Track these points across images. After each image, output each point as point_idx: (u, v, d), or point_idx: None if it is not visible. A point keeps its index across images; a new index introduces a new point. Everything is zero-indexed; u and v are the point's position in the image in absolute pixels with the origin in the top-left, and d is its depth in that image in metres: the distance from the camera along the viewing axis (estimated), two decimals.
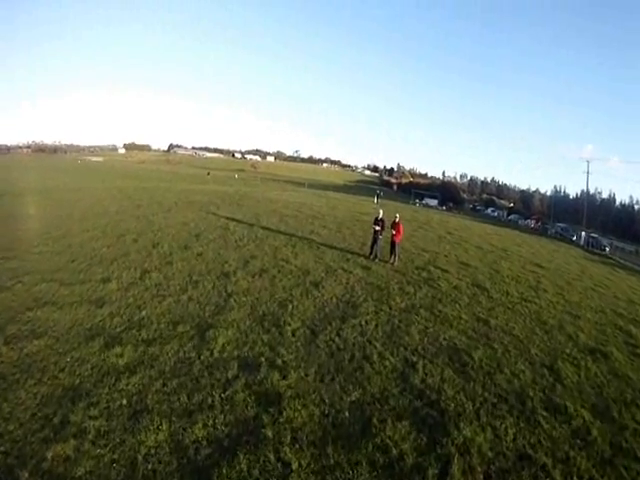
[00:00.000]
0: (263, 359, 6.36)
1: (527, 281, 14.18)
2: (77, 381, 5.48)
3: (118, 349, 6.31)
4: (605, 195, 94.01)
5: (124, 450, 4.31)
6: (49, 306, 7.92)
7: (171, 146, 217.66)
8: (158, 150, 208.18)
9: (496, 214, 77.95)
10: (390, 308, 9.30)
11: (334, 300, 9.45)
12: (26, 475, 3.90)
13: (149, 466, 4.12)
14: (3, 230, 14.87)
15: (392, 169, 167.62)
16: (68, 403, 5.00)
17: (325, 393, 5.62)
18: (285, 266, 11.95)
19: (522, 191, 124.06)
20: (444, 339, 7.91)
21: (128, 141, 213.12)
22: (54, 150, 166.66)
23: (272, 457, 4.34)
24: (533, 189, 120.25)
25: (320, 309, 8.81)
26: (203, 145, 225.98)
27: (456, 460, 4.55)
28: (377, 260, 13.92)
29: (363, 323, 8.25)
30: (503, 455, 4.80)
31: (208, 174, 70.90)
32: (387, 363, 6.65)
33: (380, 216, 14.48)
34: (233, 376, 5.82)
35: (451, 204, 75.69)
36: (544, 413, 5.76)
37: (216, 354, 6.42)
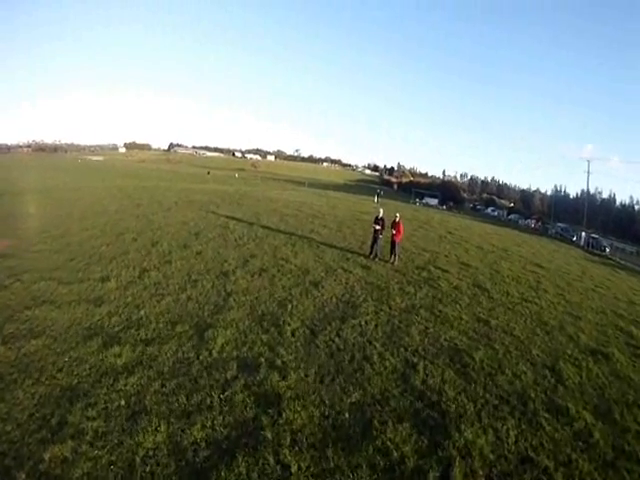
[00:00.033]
0: (262, 359, 6.31)
1: (528, 281, 14.12)
2: (75, 381, 5.44)
3: (116, 349, 6.28)
4: (605, 195, 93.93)
5: (122, 452, 4.26)
6: (47, 305, 7.90)
7: (171, 145, 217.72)
8: (158, 149, 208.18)
9: (496, 214, 77.91)
10: (390, 308, 9.24)
11: (334, 300, 9.40)
12: (23, 476, 3.86)
13: (147, 468, 4.07)
14: (3, 229, 14.88)
15: (392, 168, 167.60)
16: (66, 403, 4.96)
17: (325, 394, 5.57)
18: (285, 265, 11.90)
19: (522, 191, 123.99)
20: (445, 340, 7.85)
21: (129, 140, 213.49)
22: (54, 149, 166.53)
23: (271, 459, 4.29)
24: (533, 189, 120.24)
25: (320, 309, 8.76)
26: (203, 144, 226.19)
27: (457, 463, 4.50)
28: (377, 260, 13.87)
29: (363, 323, 8.19)
30: (505, 458, 4.75)
31: (208, 173, 70.96)
32: (387, 364, 6.59)
33: (380, 215, 14.43)
34: (232, 377, 5.77)
35: (451, 203, 75.67)
36: (546, 415, 5.71)
37: (215, 354, 6.37)
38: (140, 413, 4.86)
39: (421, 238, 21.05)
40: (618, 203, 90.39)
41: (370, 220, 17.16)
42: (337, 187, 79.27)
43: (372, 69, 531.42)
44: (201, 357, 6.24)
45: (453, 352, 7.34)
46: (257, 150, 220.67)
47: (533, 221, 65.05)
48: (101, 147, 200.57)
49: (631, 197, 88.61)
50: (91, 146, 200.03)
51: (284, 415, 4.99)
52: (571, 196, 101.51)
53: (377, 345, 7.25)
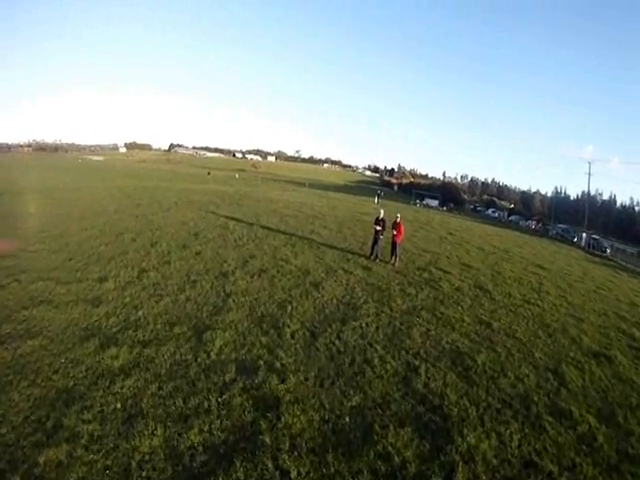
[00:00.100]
0: (261, 362, 6.22)
1: (529, 283, 14.07)
2: (71, 383, 5.36)
3: (113, 350, 6.19)
4: (606, 196, 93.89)
5: (118, 456, 4.18)
6: (45, 305, 7.82)
7: (172, 145, 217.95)
8: (159, 149, 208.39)
9: (497, 215, 77.79)
10: (391, 310, 9.16)
11: (334, 301, 9.32)
12: None
13: (143, 473, 3.99)
14: (2, 228, 14.82)
15: (393, 169, 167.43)
16: (61, 406, 4.88)
17: (325, 398, 5.47)
18: (285, 266, 11.82)
19: (523, 192, 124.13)
20: (446, 342, 7.77)
21: (129, 140, 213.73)
22: (55, 149, 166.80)
23: (270, 465, 4.20)
24: (534, 190, 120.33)
25: (320, 310, 8.67)
26: (204, 145, 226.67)
27: (460, 468, 4.42)
28: (378, 261, 13.80)
29: (364, 325, 8.11)
30: (508, 462, 4.67)
31: (208, 174, 70.87)
32: (388, 367, 6.51)
33: (381, 216, 14.36)
34: (230, 380, 5.67)
35: (452, 205, 75.56)
36: (549, 418, 5.64)
37: (213, 356, 6.27)
38: (136, 416, 4.77)
39: (422, 239, 20.99)
40: (619, 204, 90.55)
41: (370, 221, 17.12)
42: (337, 188, 79.28)
43: (372, 68, 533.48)
44: (199, 359, 6.15)
45: (455, 355, 7.26)
46: (257, 151, 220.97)
47: (534, 222, 64.96)
48: (101, 147, 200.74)
49: (631, 198, 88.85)
50: (91, 146, 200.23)
51: (283, 419, 4.89)
52: (571, 197, 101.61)
53: (378, 348, 7.16)
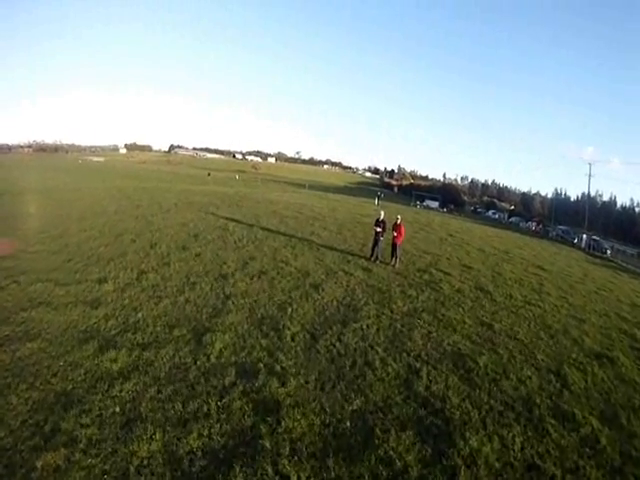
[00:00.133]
0: (261, 365, 6.17)
1: (530, 284, 14.02)
2: (70, 386, 5.31)
3: (112, 353, 6.14)
4: (606, 197, 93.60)
5: (116, 461, 4.13)
6: (43, 307, 7.79)
7: (172, 147, 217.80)
8: (159, 151, 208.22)
9: (497, 216, 77.83)
10: (392, 312, 9.11)
11: (334, 303, 9.27)
12: None
13: (142, 478, 3.94)
14: (3, 229, 14.84)
15: (393, 171, 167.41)
16: (60, 410, 4.83)
17: (326, 401, 5.42)
18: (285, 268, 11.77)
19: (523, 193, 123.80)
20: (448, 344, 7.72)
21: (129, 141, 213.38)
22: (55, 150, 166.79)
23: (270, 470, 4.14)
24: (534, 191, 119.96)
25: (320, 312, 8.62)
26: (204, 146, 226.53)
27: (462, 472, 4.37)
28: (378, 262, 13.75)
29: (364, 327, 8.05)
30: (511, 466, 4.62)
31: (209, 175, 70.88)
32: (390, 369, 6.45)
33: (381, 217, 14.32)
34: (230, 383, 5.62)
35: (452, 206, 75.69)
36: (552, 421, 5.60)
37: (213, 359, 6.22)
38: (135, 420, 4.72)
39: (422, 240, 20.95)
40: (619, 205, 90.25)
41: (371, 223, 17.08)
42: (337, 189, 79.40)
43: (372, 69, 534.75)
44: (198, 362, 6.10)
45: (457, 357, 7.21)
46: (258, 152, 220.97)
47: (534, 224, 64.90)
48: (102, 148, 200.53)
49: (632, 199, 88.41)
50: (92, 147, 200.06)
51: (283, 423, 4.84)
52: (572, 199, 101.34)
53: (379, 350, 7.11)
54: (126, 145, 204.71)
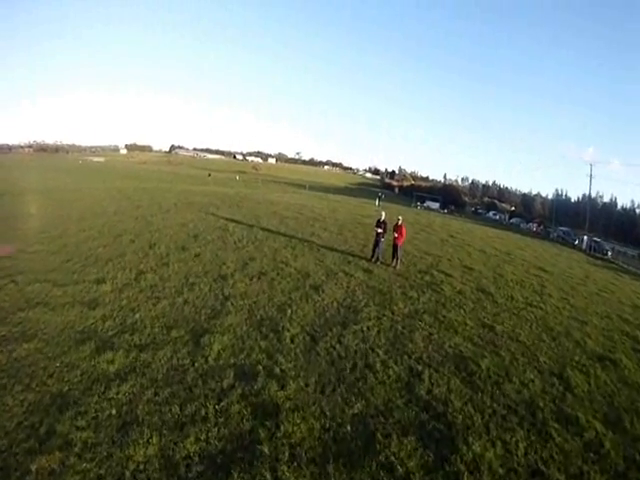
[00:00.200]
0: (260, 367, 6.08)
1: (531, 286, 13.95)
2: (66, 388, 5.25)
3: (109, 354, 6.07)
4: (607, 199, 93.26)
5: (111, 465, 4.05)
6: (41, 307, 7.75)
7: (172, 147, 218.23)
8: (160, 151, 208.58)
9: (497, 217, 77.82)
10: (393, 313, 9.02)
11: (335, 305, 9.18)
12: None
13: None
14: (2, 229, 14.85)
15: (393, 172, 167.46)
16: (55, 412, 4.77)
17: (326, 405, 5.33)
18: (284, 269, 11.69)
19: (523, 194, 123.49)
20: (449, 346, 7.63)
21: (130, 142, 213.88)
22: (56, 150, 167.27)
23: (268, 476, 4.05)
24: (534, 192, 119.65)
25: (320, 314, 8.53)
26: (205, 146, 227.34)
27: (465, 478, 4.28)
28: (379, 263, 13.67)
29: (365, 329, 7.96)
30: (515, 472, 4.53)
31: (209, 175, 70.97)
32: (391, 372, 6.37)
33: (382, 218, 14.24)
34: (228, 386, 5.54)
35: (452, 207, 75.68)
36: (555, 425, 5.51)
37: (211, 361, 6.14)
38: (131, 424, 4.64)
39: (423, 241, 20.88)
40: (619, 207, 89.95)
41: (371, 223, 17.02)
42: (338, 190, 79.45)
43: (372, 69, 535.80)
44: (196, 364, 6.01)
45: (458, 359, 7.12)
46: (258, 153, 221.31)
47: (535, 225, 64.90)
48: (102, 148, 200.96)
49: (632, 201, 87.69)
50: (92, 147, 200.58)
51: (282, 428, 4.75)
52: (572, 200, 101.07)
53: (380, 352, 7.02)
54: (126, 145, 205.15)
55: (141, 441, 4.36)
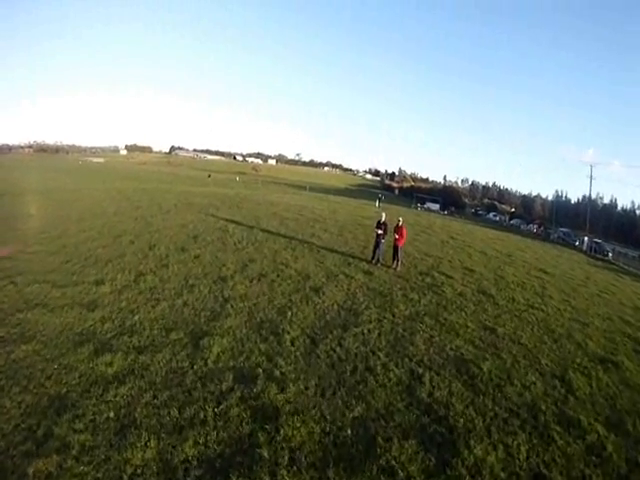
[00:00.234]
0: (260, 370, 6.02)
1: (533, 287, 13.89)
2: (63, 390, 5.22)
3: (108, 357, 6.03)
4: (607, 200, 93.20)
5: (109, 468, 4.01)
6: (39, 308, 7.73)
7: (173, 148, 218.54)
8: (160, 152, 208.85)
9: (498, 219, 77.75)
10: (393, 316, 8.97)
11: (335, 307, 9.13)
12: None
13: None
14: (2, 229, 14.89)
15: (393, 173, 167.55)
16: (53, 414, 4.74)
17: (326, 408, 5.27)
18: (285, 270, 11.64)
19: (523, 196, 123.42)
20: (451, 349, 7.58)
21: (130, 142, 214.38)
22: (56, 150, 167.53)
23: None
24: (534, 194, 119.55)
25: (321, 316, 8.48)
26: (205, 147, 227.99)
27: None
28: (379, 265, 13.61)
29: (366, 332, 7.91)
30: (517, 476, 4.48)
31: (209, 176, 71.01)
32: (392, 375, 6.31)
33: (383, 219, 14.19)
34: (228, 388, 5.48)
35: (453, 208, 75.64)
36: (557, 428, 5.46)
37: (210, 364, 6.09)
38: (129, 427, 4.59)
39: (424, 243, 20.83)
40: (619, 208, 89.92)
41: (372, 225, 16.98)
42: (338, 191, 79.42)
43: (372, 70, 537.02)
44: (195, 367, 5.97)
45: (460, 362, 7.06)
46: (258, 154, 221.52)
47: (535, 226, 64.89)
48: (102, 149, 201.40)
49: (632, 202, 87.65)
50: (92, 148, 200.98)
51: (282, 431, 4.70)
52: (572, 201, 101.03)
53: (380, 355, 6.96)
54: (126, 146, 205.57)
55: (139, 444, 4.31)
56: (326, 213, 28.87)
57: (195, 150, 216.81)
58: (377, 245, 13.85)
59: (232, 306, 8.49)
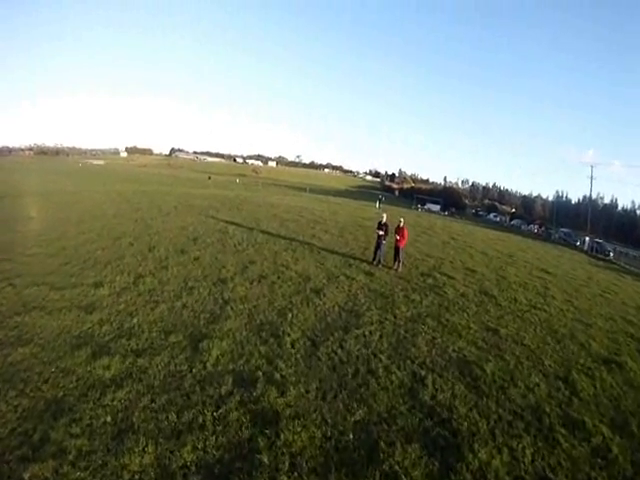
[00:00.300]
0: (260, 373, 5.94)
1: (535, 288, 13.81)
2: (60, 394, 5.15)
3: (105, 360, 5.96)
4: (607, 200, 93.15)
5: (106, 474, 3.93)
6: (37, 311, 7.69)
7: (173, 150, 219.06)
8: (160, 154, 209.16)
9: (498, 219, 77.85)
10: (395, 317, 8.88)
11: (336, 308, 9.04)
12: None
13: None
14: (2, 230, 14.95)
15: (393, 174, 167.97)
16: (49, 418, 4.67)
17: (327, 412, 5.18)
18: (285, 272, 11.56)
19: (524, 196, 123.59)
20: (453, 350, 7.49)
21: (130, 145, 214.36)
22: (56, 152, 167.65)
23: None
24: (534, 194, 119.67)
25: (321, 318, 8.40)
26: (205, 150, 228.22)
27: None
28: (381, 266, 13.55)
29: (367, 334, 7.82)
30: None
31: (209, 178, 71.09)
32: (394, 378, 6.22)
33: (383, 220, 14.13)
34: (227, 392, 5.40)
35: (453, 209, 75.67)
36: (562, 430, 5.37)
37: (209, 367, 6.00)
38: (127, 431, 4.51)
39: (425, 244, 20.78)
40: (620, 208, 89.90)
41: (372, 226, 16.92)
42: (338, 193, 79.59)
43: (372, 73, 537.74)
44: (194, 370, 5.88)
45: (463, 364, 6.98)
46: (258, 156, 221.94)
47: (536, 226, 64.90)
48: (102, 151, 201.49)
49: (633, 202, 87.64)
50: (92, 150, 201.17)
51: (282, 436, 4.61)
52: (573, 201, 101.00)
53: (382, 357, 6.87)
54: (127, 148, 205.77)
55: (137, 449, 4.23)
56: (326, 214, 28.82)
57: (195, 152, 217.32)
58: (378, 246, 13.78)
59: (232, 308, 8.41)
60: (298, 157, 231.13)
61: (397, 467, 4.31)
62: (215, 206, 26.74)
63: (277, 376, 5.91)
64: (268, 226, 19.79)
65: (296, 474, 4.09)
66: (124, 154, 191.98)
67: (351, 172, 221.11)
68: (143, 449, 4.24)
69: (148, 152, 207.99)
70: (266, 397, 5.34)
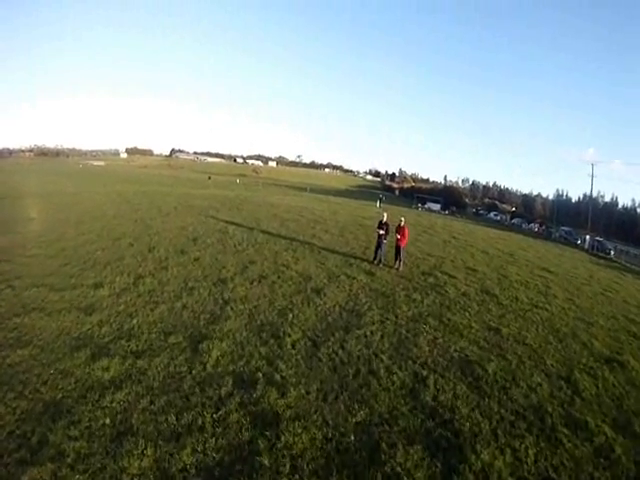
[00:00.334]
0: (260, 374, 5.90)
1: (536, 286, 13.75)
2: (59, 396, 5.13)
3: (105, 361, 5.94)
4: (607, 198, 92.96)
5: (105, 477, 3.90)
6: (37, 312, 7.69)
7: (173, 151, 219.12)
8: (160, 155, 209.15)
9: (499, 218, 77.65)
10: (396, 317, 8.84)
11: (337, 308, 9.01)
12: None
13: None
14: (2, 231, 14.99)
15: (394, 174, 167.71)
16: (48, 421, 4.65)
17: (328, 413, 5.15)
18: (285, 272, 11.53)
19: (524, 195, 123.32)
20: (455, 350, 7.45)
21: (130, 145, 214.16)
22: (56, 154, 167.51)
23: None
24: (535, 193, 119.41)
25: (322, 318, 8.36)
26: (205, 150, 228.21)
27: None
28: (381, 265, 13.50)
29: (368, 334, 7.78)
30: None
31: (209, 179, 71.07)
32: (395, 378, 6.18)
33: (384, 220, 14.07)
34: (227, 394, 5.36)
35: (454, 208, 75.56)
36: (565, 430, 5.34)
37: (209, 368, 5.97)
38: (126, 434, 4.48)
39: (425, 243, 20.73)
40: (620, 206, 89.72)
41: (373, 225, 16.88)
42: (339, 192, 79.58)
43: (372, 73, 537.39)
44: (194, 371, 5.85)
45: (464, 364, 6.93)
46: (259, 156, 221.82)
47: (537, 225, 64.77)
48: (103, 152, 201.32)
49: (633, 200, 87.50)
50: (93, 151, 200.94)
51: (283, 438, 4.57)
52: (573, 200, 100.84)
53: (384, 358, 6.84)
54: (127, 149, 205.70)
55: (136, 452, 4.21)
56: (327, 214, 28.78)
57: (195, 153, 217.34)
58: (379, 245, 13.73)
59: (232, 309, 8.39)
60: (298, 157, 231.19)
61: (399, 469, 4.28)
62: (215, 206, 26.72)
63: (277, 377, 5.88)
64: (268, 226, 19.76)
65: (297, 476, 4.06)
66: (124, 155, 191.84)
67: (351, 172, 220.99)
68: (142, 452, 4.22)
69: (148, 153, 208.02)
70: (266, 398, 5.30)
